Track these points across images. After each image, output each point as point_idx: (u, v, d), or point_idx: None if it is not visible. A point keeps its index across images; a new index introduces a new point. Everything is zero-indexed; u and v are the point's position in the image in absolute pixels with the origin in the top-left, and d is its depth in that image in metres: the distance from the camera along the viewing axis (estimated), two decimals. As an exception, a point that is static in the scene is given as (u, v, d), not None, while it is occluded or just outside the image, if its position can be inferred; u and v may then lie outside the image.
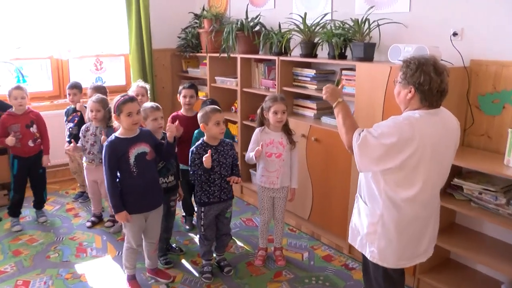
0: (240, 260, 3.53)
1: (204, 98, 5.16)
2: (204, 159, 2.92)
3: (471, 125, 3.11)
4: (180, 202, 3.81)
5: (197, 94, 4.01)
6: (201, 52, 5.28)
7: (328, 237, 3.81)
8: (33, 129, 3.98)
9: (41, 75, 5.27)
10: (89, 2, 5.21)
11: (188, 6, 5.77)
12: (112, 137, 2.87)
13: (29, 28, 4.90)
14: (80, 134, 3.95)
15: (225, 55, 4.70)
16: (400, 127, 2.03)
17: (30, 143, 3.96)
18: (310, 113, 4.05)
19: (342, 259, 3.51)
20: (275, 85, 4.20)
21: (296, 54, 4.13)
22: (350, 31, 3.57)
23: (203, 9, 5.43)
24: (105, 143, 2.87)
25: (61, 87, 5.29)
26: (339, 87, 2.51)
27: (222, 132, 3.04)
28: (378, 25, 3.45)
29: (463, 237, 3.05)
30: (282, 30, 4.27)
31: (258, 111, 3.31)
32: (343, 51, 3.68)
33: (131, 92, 4.03)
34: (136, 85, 4.09)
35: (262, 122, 3.30)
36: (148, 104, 3.30)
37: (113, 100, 2.89)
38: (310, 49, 3.90)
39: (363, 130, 2.14)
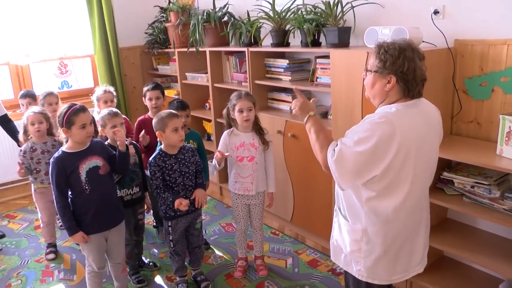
0: (219, 272, 3.26)
1: (176, 97, 4.89)
2: (182, 205, 2.67)
3: (459, 111, 2.84)
4: (151, 212, 3.54)
5: (163, 94, 3.68)
6: (170, 48, 4.97)
7: (313, 239, 3.55)
8: None
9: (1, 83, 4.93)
10: (46, 3, 4.85)
11: (154, -1, 5.43)
12: (59, 152, 2.56)
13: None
14: (21, 158, 3.38)
15: (194, 49, 4.38)
16: (377, 127, 1.72)
17: None
18: (286, 107, 3.76)
19: (329, 263, 3.24)
20: (247, 78, 3.89)
21: (267, 44, 3.82)
22: (323, 16, 3.27)
23: (169, 1, 5.09)
24: (51, 160, 2.56)
25: (23, 94, 4.93)
26: (311, 101, 2.16)
27: (181, 140, 2.73)
28: (352, 7, 3.15)
29: (457, 234, 2.79)
30: (252, 19, 3.95)
31: (224, 111, 3.02)
32: (316, 37, 3.39)
33: (96, 98, 3.69)
34: (103, 90, 3.68)
35: (230, 124, 3.01)
36: (105, 110, 2.99)
37: (60, 111, 2.57)
38: (281, 38, 3.60)
39: (337, 144, 1.83)
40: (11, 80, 4.92)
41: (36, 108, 3.45)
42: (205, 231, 3.83)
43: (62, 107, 2.58)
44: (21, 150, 3.41)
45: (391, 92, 1.83)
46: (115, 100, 3.75)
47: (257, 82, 3.83)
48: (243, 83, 4.07)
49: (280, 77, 3.74)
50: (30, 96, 4.06)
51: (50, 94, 3.92)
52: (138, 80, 5.57)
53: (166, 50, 5.16)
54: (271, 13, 3.60)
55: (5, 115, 3.85)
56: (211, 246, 3.60)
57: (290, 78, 3.63)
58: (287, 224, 3.81)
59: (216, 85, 4.36)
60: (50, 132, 3.45)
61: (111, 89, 3.76)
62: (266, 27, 3.78)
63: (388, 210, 1.82)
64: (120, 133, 2.65)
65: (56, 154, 2.55)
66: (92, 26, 5.10)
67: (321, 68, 3.36)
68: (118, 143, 2.65)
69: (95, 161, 2.58)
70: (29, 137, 3.41)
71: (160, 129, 2.70)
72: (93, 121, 2.64)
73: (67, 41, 5.08)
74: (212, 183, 4.64)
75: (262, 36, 3.85)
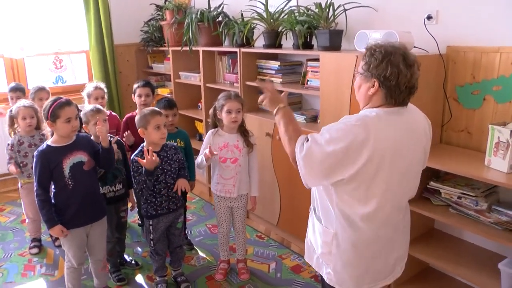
0: (200, 274, 3.20)
1: (168, 95, 4.85)
2: (144, 161, 2.55)
3: (449, 119, 2.79)
4: (136, 210, 3.49)
5: (153, 92, 3.64)
6: (165, 46, 4.93)
7: (299, 244, 3.49)
8: None
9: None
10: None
11: (151, -4, 5.39)
12: (44, 145, 2.53)
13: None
14: (9, 152, 3.35)
15: (187, 48, 4.34)
16: (351, 130, 1.65)
17: None
18: (276, 110, 3.70)
19: (312, 269, 3.18)
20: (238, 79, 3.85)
21: (260, 45, 3.77)
22: (315, 18, 3.22)
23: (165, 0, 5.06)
24: (35, 153, 2.52)
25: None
26: (282, 95, 2.11)
27: (163, 138, 2.68)
28: (345, 10, 3.10)
29: (442, 245, 2.74)
30: (245, 19, 3.91)
31: (211, 111, 2.97)
32: (308, 40, 3.34)
33: (87, 94, 3.65)
34: (94, 87, 3.64)
35: (216, 123, 2.96)
36: (88, 107, 2.94)
37: (45, 104, 2.54)
38: (273, 39, 3.55)
39: (307, 139, 1.75)
40: (6, 73, 4.88)
41: (26, 102, 3.41)
42: (191, 232, 3.78)
43: (48, 100, 2.55)
44: (8, 144, 3.37)
45: (374, 97, 1.76)
46: (105, 97, 3.71)
47: (248, 83, 3.78)
48: (235, 84, 4.03)
49: (272, 78, 3.67)
50: (21, 90, 4.03)
51: (41, 89, 3.88)
52: (133, 78, 5.51)
53: (161, 48, 5.12)
54: (264, 14, 3.56)
55: None
56: (195, 247, 3.55)
57: (281, 80, 3.57)
58: (273, 228, 3.76)
59: (208, 85, 4.32)
60: (37, 126, 3.41)
61: (102, 85, 3.72)
62: (260, 28, 3.73)
63: (357, 217, 1.75)
64: (101, 128, 2.61)
65: (40, 148, 2.52)
66: (88, 21, 5.05)
67: (312, 71, 3.30)
68: (100, 138, 2.61)
69: (80, 156, 2.55)
70: (17, 130, 3.38)
71: (142, 126, 2.66)
72: (79, 116, 2.61)
73: (63, 36, 5.04)
74: (201, 183, 4.60)
75: (255, 37, 3.81)
